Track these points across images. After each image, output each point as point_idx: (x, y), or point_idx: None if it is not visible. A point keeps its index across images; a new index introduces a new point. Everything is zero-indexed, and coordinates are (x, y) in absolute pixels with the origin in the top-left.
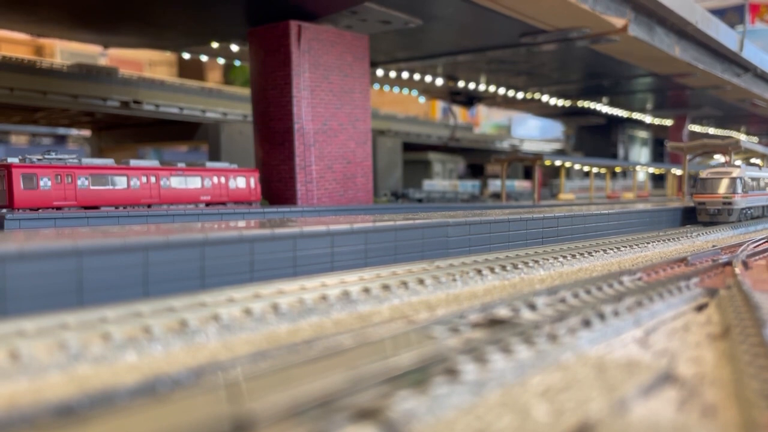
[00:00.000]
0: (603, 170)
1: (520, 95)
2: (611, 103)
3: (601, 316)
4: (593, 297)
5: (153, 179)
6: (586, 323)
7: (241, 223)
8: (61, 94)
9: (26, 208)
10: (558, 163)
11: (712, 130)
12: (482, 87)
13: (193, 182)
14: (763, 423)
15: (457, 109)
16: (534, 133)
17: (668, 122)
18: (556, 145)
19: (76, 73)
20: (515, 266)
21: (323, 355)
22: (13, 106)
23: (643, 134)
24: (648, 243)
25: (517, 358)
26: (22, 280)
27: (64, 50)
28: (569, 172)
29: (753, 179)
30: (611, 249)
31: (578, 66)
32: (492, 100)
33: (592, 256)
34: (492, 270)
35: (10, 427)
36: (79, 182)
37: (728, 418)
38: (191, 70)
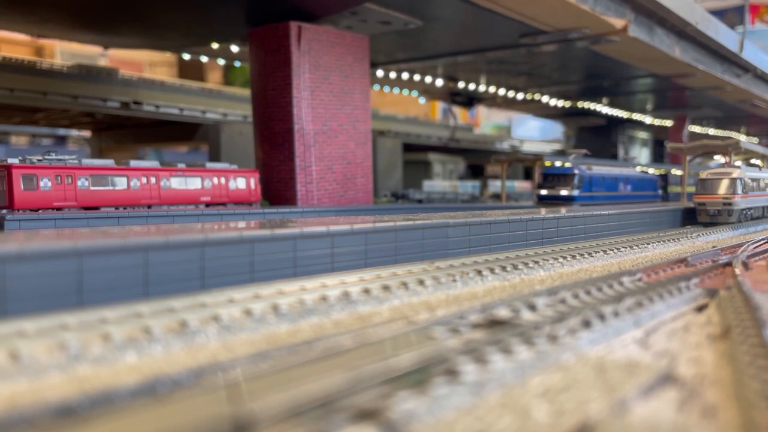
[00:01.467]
0: None
1: (520, 96)
2: (611, 104)
3: (601, 317)
4: (593, 298)
5: (153, 180)
6: (586, 324)
7: (241, 224)
8: (61, 94)
9: (26, 208)
10: (558, 163)
11: (712, 131)
12: (482, 88)
13: (193, 183)
14: (763, 423)
15: (457, 110)
16: (534, 134)
17: (668, 123)
18: (557, 146)
19: (76, 74)
20: (515, 267)
21: (323, 356)
22: (13, 107)
23: (643, 135)
24: (648, 244)
25: (517, 359)
26: (22, 280)
27: (64, 51)
28: None
29: (753, 180)
30: (611, 249)
31: (578, 67)
32: (492, 101)
33: (592, 256)
34: (492, 271)
35: (10, 428)
36: (79, 183)
37: (728, 419)
38: (191, 71)
